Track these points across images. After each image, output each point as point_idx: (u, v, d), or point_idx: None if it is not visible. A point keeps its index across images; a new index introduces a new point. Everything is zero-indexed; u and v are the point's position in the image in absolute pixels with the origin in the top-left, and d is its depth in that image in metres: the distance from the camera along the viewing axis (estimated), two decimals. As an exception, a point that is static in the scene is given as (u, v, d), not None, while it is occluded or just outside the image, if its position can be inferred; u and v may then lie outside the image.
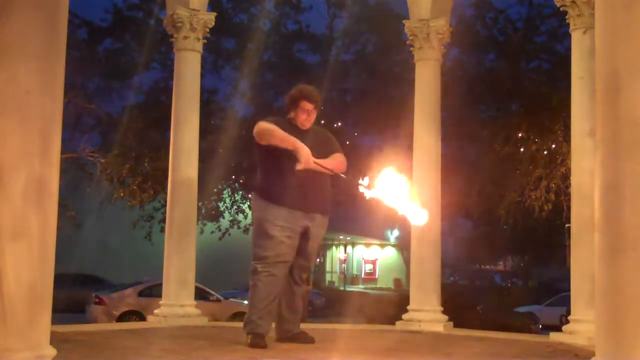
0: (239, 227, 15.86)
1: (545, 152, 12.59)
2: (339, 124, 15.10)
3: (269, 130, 4.68)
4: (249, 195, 15.45)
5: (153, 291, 14.54)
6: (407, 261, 29.37)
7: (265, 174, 4.85)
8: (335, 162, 4.80)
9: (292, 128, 4.87)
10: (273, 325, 4.97)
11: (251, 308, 4.78)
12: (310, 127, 4.96)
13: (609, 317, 3.04)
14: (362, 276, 37.59)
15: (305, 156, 4.53)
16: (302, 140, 4.78)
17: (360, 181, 4.42)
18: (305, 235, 4.81)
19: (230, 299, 17.31)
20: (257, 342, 4.64)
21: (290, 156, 4.63)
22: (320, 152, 4.82)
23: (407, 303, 6.64)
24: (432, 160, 6.72)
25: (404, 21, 7.08)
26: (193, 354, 4.50)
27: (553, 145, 12.35)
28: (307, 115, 4.87)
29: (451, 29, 6.97)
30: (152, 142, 13.68)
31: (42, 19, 2.96)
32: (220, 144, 13.30)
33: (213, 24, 6.92)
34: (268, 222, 4.72)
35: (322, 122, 14.67)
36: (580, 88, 5.73)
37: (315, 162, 4.58)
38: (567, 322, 5.74)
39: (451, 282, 29.96)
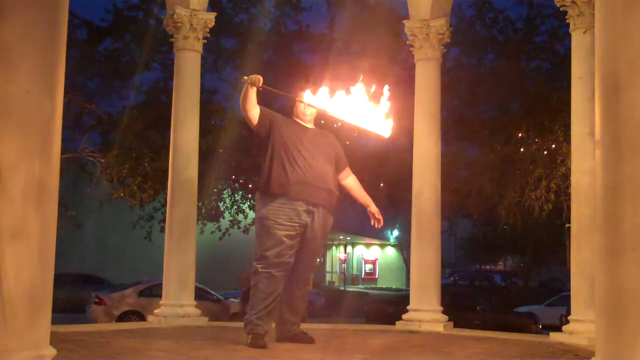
0: (239, 227, 15.85)
1: (545, 152, 12.60)
2: (339, 124, 15.08)
3: (242, 96, 4.83)
4: (250, 195, 15.47)
5: (153, 291, 14.54)
6: (407, 261, 29.38)
7: (266, 165, 4.84)
8: (360, 190, 5.14)
9: (295, 125, 4.93)
10: (273, 325, 4.97)
11: (251, 309, 4.77)
12: (315, 129, 5.01)
13: (609, 317, 3.04)
14: (362, 276, 37.61)
15: (253, 79, 4.67)
16: (304, 137, 4.84)
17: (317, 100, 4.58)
18: (306, 234, 4.80)
19: (230, 299, 17.31)
20: (257, 342, 4.64)
21: (289, 147, 4.75)
22: (321, 152, 4.84)
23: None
24: (432, 160, 6.72)
25: (404, 21, 7.08)
26: (193, 354, 4.50)
27: (553, 145, 12.36)
28: (303, 105, 4.91)
29: (451, 29, 6.97)
30: (152, 142, 13.68)
31: (42, 19, 2.96)
32: (220, 144, 13.29)
33: (213, 24, 6.92)
34: (269, 221, 4.72)
35: (322, 122, 14.71)
36: (580, 88, 5.73)
37: (265, 86, 4.74)
38: (567, 322, 5.74)
39: (451, 282, 29.99)
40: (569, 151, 6.71)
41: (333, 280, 35.04)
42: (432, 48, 6.80)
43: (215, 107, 14.23)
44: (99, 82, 15.28)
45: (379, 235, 36.02)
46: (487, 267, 37.33)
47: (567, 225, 9.08)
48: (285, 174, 4.73)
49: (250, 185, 15.08)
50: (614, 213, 3.04)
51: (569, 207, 6.65)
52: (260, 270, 4.72)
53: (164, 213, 9.87)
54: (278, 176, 4.74)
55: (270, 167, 4.78)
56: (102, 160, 13.80)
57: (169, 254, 6.59)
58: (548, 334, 5.94)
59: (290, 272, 4.83)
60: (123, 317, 14.88)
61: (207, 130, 12.08)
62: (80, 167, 14.70)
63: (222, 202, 15.72)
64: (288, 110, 5.13)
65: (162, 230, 12.20)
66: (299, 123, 4.95)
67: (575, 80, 5.79)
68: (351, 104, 4.61)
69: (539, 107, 12.83)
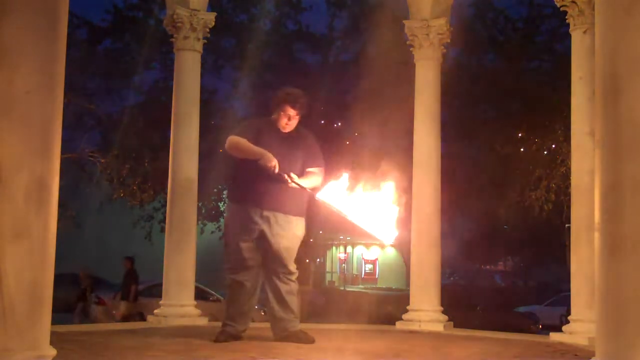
0: (239, 227, 15.82)
1: (546, 152, 12.61)
2: (339, 123, 15.09)
3: (235, 145, 4.85)
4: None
5: (153, 291, 14.51)
6: (407, 261, 29.36)
7: (234, 176, 5.06)
8: (308, 181, 4.84)
9: (273, 129, 4.95)
10: (270, 325, 4.99)
11: (224, 312, 5.05)
12: (294, 131, 4.99)
13: (609, 317, 3.04)
14: (362, 276, 37.59)
15: (265, 162, 4.65)
16: (281, 143, 4.85)
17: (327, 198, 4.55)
18: (266, 238, 4.83)
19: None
20: (218, 337, 4.87)
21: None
22: (296, 158, 4.85)
23: None
24: (432, 160, 6.73)
25: (404, 21, 7.08)
26: (193, 354, 4.50)
27: (553, 145, 12.36)
28: (288, 120, 4.94)
29: (451, 29, 6.97)
30: (152, 142, 13.67)
31: (42, 19, 2.96)
32: (220, 144, 13.25)
33: (213, 24, 6.92)
34: (228, 229, 4.98)
35: (322, 122, 14.71)
36: (580, 88, 5.73)
37: (279, 173, 4.68)
38: (567, 322, 5.74)
39: (451, 282, 29.95)
40: (569, 151, 6.71)
41: (333, 280, 35.01)
42: (432, 48, 6.80)
43: (215, 107, 14.23)
44: (99, 82, 15.27)
45: (379, 235, 35.91)
46: (487, 267, 37.29)
47: (567, 225, 9.09)
48: (248, 183, 4.85)
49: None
50: (614, 213, 3.04)
51: (569, 207, 6.65)
52: (227, 276, 4.94)
53: (164, 213, 9.87)
54: (243, 185, 4.90)
55: (236, 177, 4.98)
56: (102, 160, 13.79)
57: (168, 254, 6.59)
58: (548, 334, 5.94)
59: (267, 270, 4.91)
60: (123, 317, 14.85)
61: (207, 130, 12.06)
62: (80, 167, 14.70)
63: (222, 202, 15.71)
64: (270, 109, 5.10)
65: (162, 230, 12.20)
66: (278, 130, 4.95)
67: (575, 80, 5.79)
68: (361, 204, 4.51)
69: (539, 107, 12.83)
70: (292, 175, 4.71)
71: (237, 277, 4.88)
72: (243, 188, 4.90)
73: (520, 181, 13.06)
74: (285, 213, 4.86)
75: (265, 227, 4.82)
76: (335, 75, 13.92)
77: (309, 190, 4.77)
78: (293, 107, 4.90)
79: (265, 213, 4.82)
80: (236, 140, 4.85)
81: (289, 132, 4.96)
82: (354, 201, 4.51)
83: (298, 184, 4.73)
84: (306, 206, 5.02)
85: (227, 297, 5.06)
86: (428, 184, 6.68)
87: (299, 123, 5.01)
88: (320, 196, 4.63)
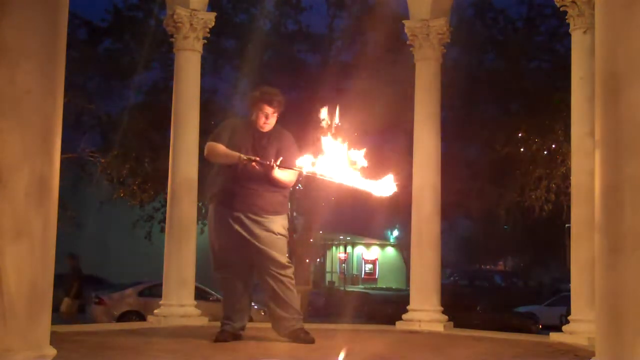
0: (238, 227, 15.83)
1: (546, 152, 12.60)
2: (339, 123, 15.06)
3: (212, 152, 4.93)
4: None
5: (153, 291, 14.52)
6: (407, 261, 29.37)
7: (212, 177, 5.17)
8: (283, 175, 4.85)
9: (249, 128, 4.98)
10: (271, 325, 4.98)
11: (222, 312, 5.06)
12: (273, 131, 5.00)
13: (609, 317, 3.04)
14: (362, 276, 37.63)
15: (241, 162, 4.73)
16: (255, 142, 4.89)
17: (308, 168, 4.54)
18: (244, 237, 4.85)
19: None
20: (218, 337, 4.88)
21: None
22: (270, 156, 4.83)
23: None
24: (432, 160, 6.73)
25: (404, 21, 7.08)
26: (193, 353, 4.51)
27: (553, 145, 12.35)
28: (265, 119, 4.95)
29: (451, 29, 6.97)
30: (152, 142, 13.66)
31: (42, 19, 2.96)
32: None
33: (213, 23, 6.92)
34: (209, 229, 5.06)
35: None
36: (580, 88, 5.74)
37: (259, 161, 4.71)
38: (567, 322, 5.74)
39: (451, 282, 29.98)
40: (569, 151, 6.71)
41: (333, 280, 35.03)
42: (432, 48, 6.80)
43: (215, 107, 14.22)
44: (99, 82, 15.28)
45: (379, 235, 36.02)
46: (487, 267, 37.31)
47: (567, 225, 9.09)
48: (221, 185, 4.95)
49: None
50: (614, 213, 3.04)
51: (569, 207, 6.65)
52: (217, 276, 5.01)
53: (164, 213, 9.87)
54: (216, 187, 5.01)
55: (214, 178, 5.06)
56: (102, 160, 13.79)
57: (169, 254, 6.59)
58: (548, 334, 5.94)
59: (259, 269, 4.92)
60: (123, 317, 14.87)
61: (207, 130, 12.05)
62: (80, 167, 14.70)
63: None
64: (248, 109, 5.12)
65: (162, 230, 12.19)
66: (257, 129, 4.97)
67: (576, 80, 5.79)
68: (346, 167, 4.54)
69: (539, 107, 12.83)
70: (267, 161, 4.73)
71: (223, 274, 4.96)
72: (217, 189, 5.00)
73: (520, 181, 13.06)
74: (257, 213, 4.87)
75: (239, 228, 4.86)
76: (335, 75, 13.90)
77: (289, 173, 4.80)
78: (270, 105, 4.92)
79: (236, 214, 4.87)
80: (212, 147, 4.92)
81: (266, 131, 4.98)
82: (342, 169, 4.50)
83: (282, 167, 4.74)
84: (284, 204, 5.07)
85: (222, 298, 5.14)
86: (428, 184, 6.68)
87: (291, 123, 5.04)
88: (308, 169, 4.55)
